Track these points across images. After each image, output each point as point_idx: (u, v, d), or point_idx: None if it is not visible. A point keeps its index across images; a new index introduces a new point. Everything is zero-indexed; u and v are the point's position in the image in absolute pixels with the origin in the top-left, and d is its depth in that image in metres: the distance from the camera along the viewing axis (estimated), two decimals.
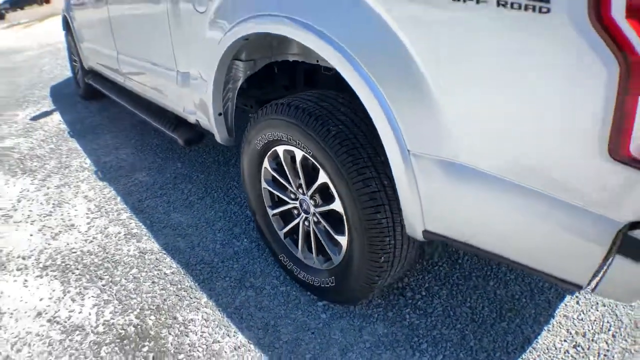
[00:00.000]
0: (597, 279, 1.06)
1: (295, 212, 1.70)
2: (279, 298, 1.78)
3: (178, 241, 2.22)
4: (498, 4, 0.89)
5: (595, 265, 1.02)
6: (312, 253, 1.68)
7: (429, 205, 1.19)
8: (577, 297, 1.74)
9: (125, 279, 1.99)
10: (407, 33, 1.05)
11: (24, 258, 2.22)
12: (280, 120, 1.44)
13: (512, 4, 0.87)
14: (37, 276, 2.07)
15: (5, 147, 3.78)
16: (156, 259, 2.11)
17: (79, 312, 1.82)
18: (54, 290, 1.96)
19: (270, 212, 1.81)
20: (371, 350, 1.53)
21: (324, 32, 1.22)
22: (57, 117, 4.43)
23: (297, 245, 1.74)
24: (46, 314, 1.83)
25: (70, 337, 1.69)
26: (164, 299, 1.84)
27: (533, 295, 1.75)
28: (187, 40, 1.93)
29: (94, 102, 4.56)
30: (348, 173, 1.29)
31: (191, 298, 1.83)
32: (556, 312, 1.68)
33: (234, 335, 1.63)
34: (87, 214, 2.59)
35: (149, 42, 2.37)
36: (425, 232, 1.24)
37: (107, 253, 2.20)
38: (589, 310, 1.67)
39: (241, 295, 1.81)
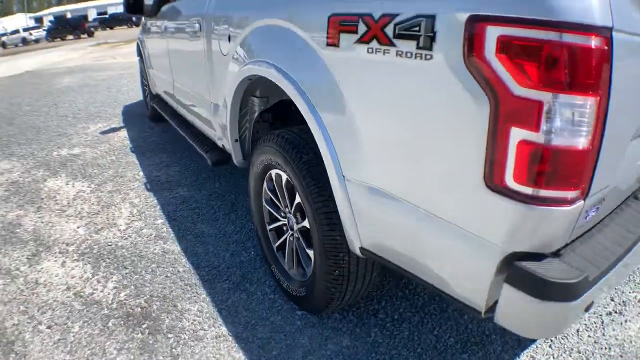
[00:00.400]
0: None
1: (285, 228, 2.01)
2: (265, 303, 2.07)
3: (197, 247, 2.60)
4: (397, 54, 1.11)
5: (485, 291, 1.09)
6: (294, 265, 1.98)
7: (361, 224, 1.42)
8: (551, 341, 1.83)
9: (145, 271, 2.39)
10: (339, 75, 1.33)
11: (67, 244, 2.71)
12: (271, 148, 1.78)
13: (406, 52, 1.09)
14: (75, 260, 2.53)
15: (72, 154, 4.47)
16: (174, 258, 2.49)
17: (101, 291, 2.23)
18: (85, 272, 2.40)
19: (268, 227, 2.13)
20: (330, 358, 1.77)
21: (287, 73, 1.56)
22: (123, 133, 5.10)
23: (284, 258, 2.05)
24: (74, 289, 2.26)
25: (87, 309, 2.10)
26: (171, 291, 2.20)
27: (504, 334, 1.87)
28: (217, 77, 2.36)
29: (159, 124, 5.19)
30: (311, 194, 1.58)
31: (193, 292, 2.18)
32: (524, 352, 1.78)
33: (218, 327, 1.94)
34: (129, 216, 3.06)
35: (193, 75, 2.86)
36: (361, 249, 1.47)
37: (136, 249, 2.62)
38: (560, 356, 1.74)
39: (234, 297, 2.13)
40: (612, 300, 2.00)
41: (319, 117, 1.43)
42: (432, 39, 1.02)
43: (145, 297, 2.17)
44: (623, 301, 1.99)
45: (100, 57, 14.96)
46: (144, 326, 1.97)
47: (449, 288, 1.22)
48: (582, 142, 0.90)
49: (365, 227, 1.42)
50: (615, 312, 1.92)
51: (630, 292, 2.04)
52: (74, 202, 3.33)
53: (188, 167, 3.92)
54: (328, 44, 1.35)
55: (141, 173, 3.87)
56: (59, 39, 35.82)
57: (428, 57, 1.04)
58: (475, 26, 0.92)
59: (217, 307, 2.06)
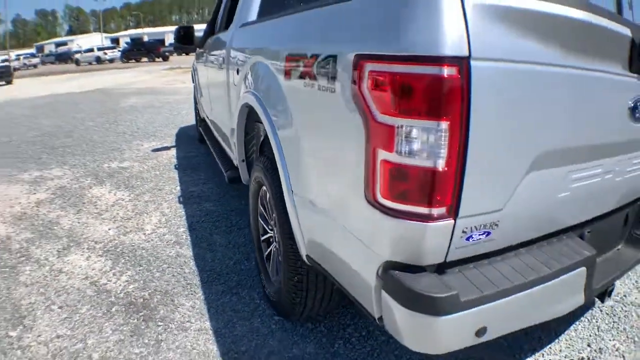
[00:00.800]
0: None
1: (271, 239, 2.26)
2: (250, 306, 2.32)
3: (206, 253, 2.91)
4: (318, 87, 1.35)
5: (371, 297, 1.18)
6: (275, 273, 2.22)
7: (305, 234, 1.63)
8: None
9: (157, 269, 2.72)
10: (291, 103, 1.59)
11: (95, 242, 3.12)
12: (259, 166, 2.06)
13: (322, 86, 1.31)
14: (99, 255, 2.92)
15: (121, 167, 5.01)
16: (184, 261, 2.81)
17: (114, 283, 2.57)
18: (105, 266, 2.77)
19: (261, 239, 2.40)
20: None
21: (262, 101, 1.84)
22: (172, 152, 5.61)
23: (270, 266, 2.29)
24: (91, 278, 2.62)
25: (98, 295, 2.44)
26: (173, 287, 2.50)
27: None
28: (232, 104, 2.71)
29: (206, 146, 5.56)
30: (277, 207, 1.83)
31: (191, 291, 2.46)
32: None
33: (203, 322, 2.20)
34: (156, 223, 3.44)
35: (220, 102, 3.24)
36: (307, 256, 1.67)
37: (154, 251, 2.97)
38: None
39: (225, 298, 2.39)
40: (589, 345, 2.04)
41: (277, 138, 1.70)
42: (335, 75, 1.24)
43: (149, 291, 2.48)
44: (600, 348, 2.01)
45: (171, 81, 16.12)
46: (141, 314, 2.27)
47: (356, 295, 1.35)
48: (434, 162, 1.01)
49: (307, 236, 1.63)
50: (589, 359, 1.96)
51: (610, 340, 2.07)
52: (111, 208, 3.78)
53: (221, 185, 4.29)
54: (285, 78, 1.63)
55: (178, 187, 4.28)
56: (133, 61, 37.94)
57: (332, 90, 1.26)
58: (357, 63, 1.11)
59: (208, 306, 2.33)
